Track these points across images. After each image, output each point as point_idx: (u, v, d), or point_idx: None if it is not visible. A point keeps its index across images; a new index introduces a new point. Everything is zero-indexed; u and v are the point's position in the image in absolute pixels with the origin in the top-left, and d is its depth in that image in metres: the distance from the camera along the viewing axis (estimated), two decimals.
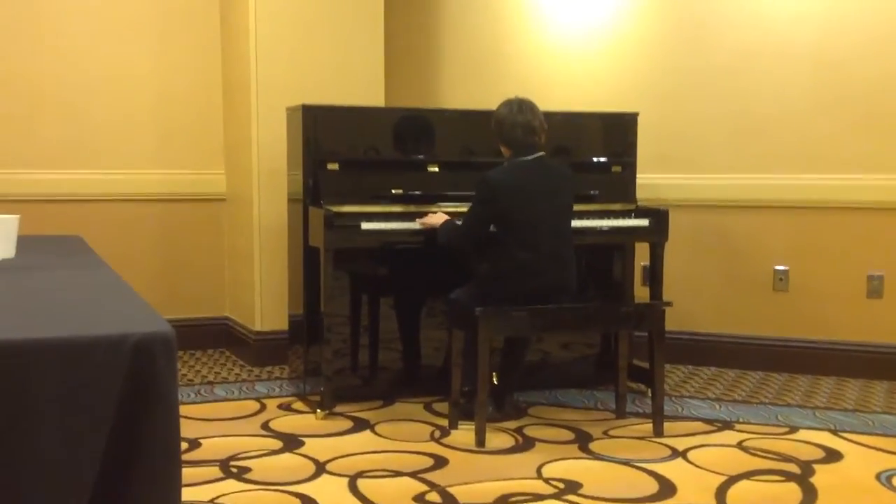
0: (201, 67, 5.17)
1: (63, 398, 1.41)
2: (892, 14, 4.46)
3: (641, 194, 4.48)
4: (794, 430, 3.74)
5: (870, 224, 4.57)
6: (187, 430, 3.62)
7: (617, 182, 4.43)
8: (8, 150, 4.87)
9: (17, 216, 2.87)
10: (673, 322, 4.14)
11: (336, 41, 4.81)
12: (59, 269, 2.66)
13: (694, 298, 4.84)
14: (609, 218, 4.23)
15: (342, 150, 4.12)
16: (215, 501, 2.90)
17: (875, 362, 4.54)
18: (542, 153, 3.74)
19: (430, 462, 3.32)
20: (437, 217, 3.89)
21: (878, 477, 3.17)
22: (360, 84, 4.82)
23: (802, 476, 3.18)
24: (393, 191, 4.08)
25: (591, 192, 4.28)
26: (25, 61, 4.89)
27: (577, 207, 3.88)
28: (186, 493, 2.90)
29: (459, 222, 3.78)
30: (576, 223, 3.90)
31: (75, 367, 1.43)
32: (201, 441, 3.52)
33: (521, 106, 3.72)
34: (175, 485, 1.49)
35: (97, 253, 3.29)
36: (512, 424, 3.80)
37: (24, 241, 2.93)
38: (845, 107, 4.57)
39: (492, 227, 3.73)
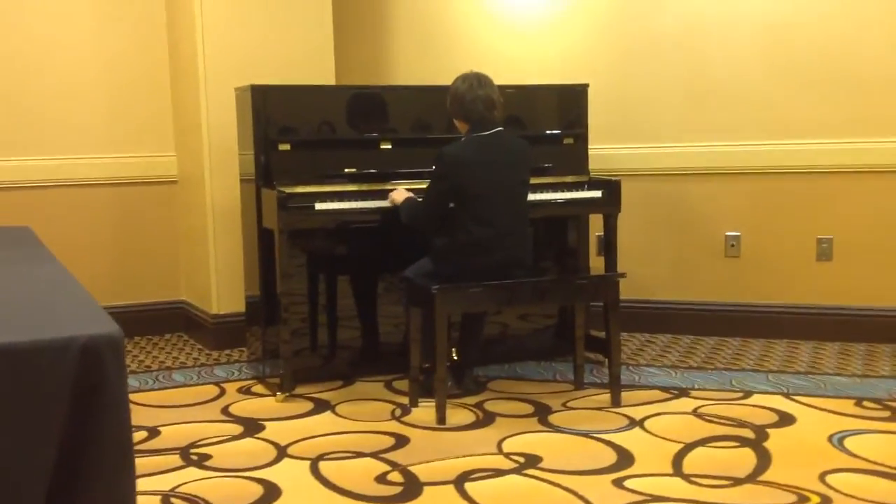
0: (148, 48, 5.06)
1: (7, 408, 1.36)
2: None
3: (594, 165, 4.50)
4: (748, 394, 3.81)
5: (818, 188, 4.63)
6: (146, 418, 3.61)
7: (569, 154, 4.44)
8: None
9: None
10: (628, 290, 4.18)
11: (284, 19, 4.74)
12: (2, 264, 2.59)
13: (648, 267, 4.88)
14: (563, 190, 4.24)
15: (293, 130, 4.08)
16: (176, 490, 2.88)
17: (825, 324, 4.63)
18: (500, 128, 3.72)
19: (391, 441, 3.33)
20: (398, 193, 3.87)
21: (830, 439, 3.24)
22: (310, 62, 4.76)
23: (757, 441, 3.24)
24: (346, 170, 4.05)
25: (545, 164, 4.29)
26: None
27: (531, 180, 3.87)
28: (146, 483, 2.90)
29: (420, 199, 3.77)
30: (531, 196, 3.89)
31: (19, 374, 1.38)
32: (160, 429, 3.50)
33: (479, 80, 3.69)
34: (130, 488, 1.46)
35: (48, 241, 3.23)
36: (472, 400, 3.83)
37: None
38: (793, 72, 4.61)
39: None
